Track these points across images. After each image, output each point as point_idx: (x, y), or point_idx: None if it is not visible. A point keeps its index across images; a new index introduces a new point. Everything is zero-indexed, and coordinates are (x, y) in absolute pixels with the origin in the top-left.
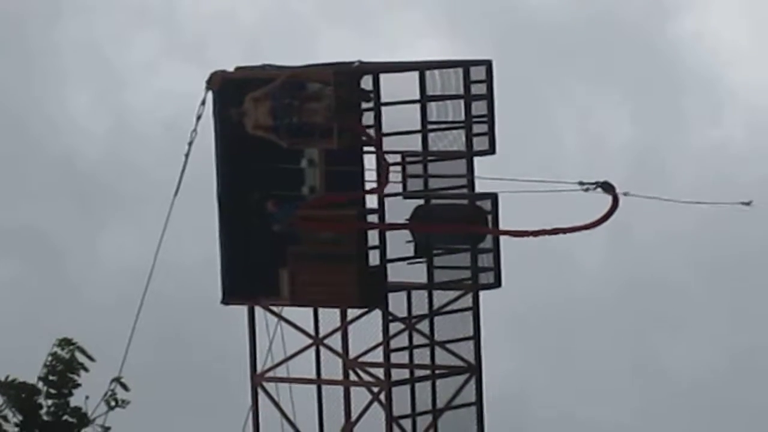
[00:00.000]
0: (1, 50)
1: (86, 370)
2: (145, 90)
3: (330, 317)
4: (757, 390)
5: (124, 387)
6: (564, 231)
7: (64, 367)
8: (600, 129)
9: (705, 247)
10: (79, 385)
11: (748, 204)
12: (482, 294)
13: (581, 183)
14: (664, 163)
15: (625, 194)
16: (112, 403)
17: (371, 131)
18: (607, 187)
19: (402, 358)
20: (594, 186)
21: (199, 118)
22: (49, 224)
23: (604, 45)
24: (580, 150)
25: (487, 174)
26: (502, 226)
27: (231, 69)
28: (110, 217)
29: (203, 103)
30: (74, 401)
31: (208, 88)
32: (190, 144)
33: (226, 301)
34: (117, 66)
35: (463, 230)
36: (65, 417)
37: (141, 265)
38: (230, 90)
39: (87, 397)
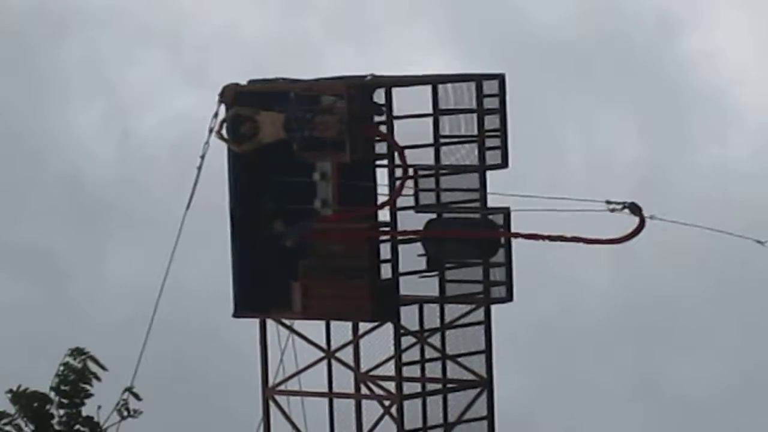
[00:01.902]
0: (6, 69)
1: (98, 379)
2: (150, 110)
3: (342, 330)
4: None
5: (136, 396)
6: (585, 241)
7: (77, 377)
8: (606, 147)
9: (711, 265)
10: (91, 395)
11: (762, 243)
12: (494, 308)
13: (608, 202)
14: (669, 181)
15: (651, 217)
16: (125, 413)
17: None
18: (633, 209)
19: (413, 371)
20: (621, 207)
21: (211, 130)
22: (54, 244)
23: (610, 63)
24: (585, 167)
25: (499, 188)
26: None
27: (243, 82)
28: (116, 238)
29: (216, 115)
30: (86, 411)
31: (221, 101)
32: (202, 157)
33: (237, 314)
34: (122, 86)
35: (479, 235)
36: (77, 426)
37: (147, 286)
38: (243, 103)
39: (99, 407)
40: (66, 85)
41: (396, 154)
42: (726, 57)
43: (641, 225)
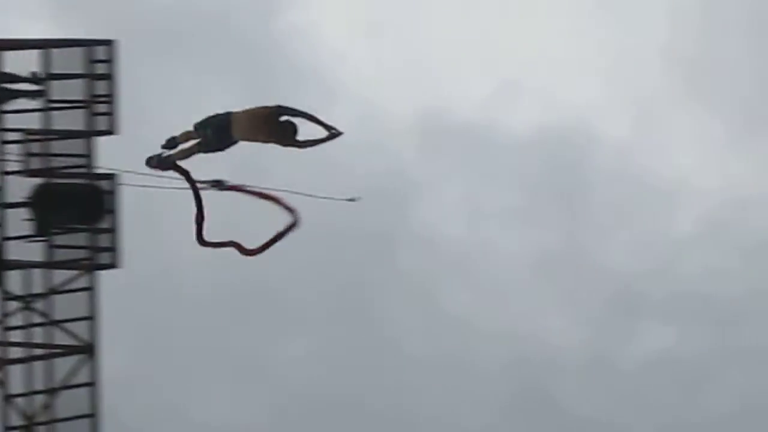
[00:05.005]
0: None
1: None
2: None
3: None
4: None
5: None
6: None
7: None
8: None
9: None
10: None
11: (354, 200)
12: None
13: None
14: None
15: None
16: None
17: None
18: (218, 185)
19: (19, 337)
20: (209, 185)
21: None
22: None
23: (213, 41)
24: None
25: (109, 154)
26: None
27: None
28: None
29: None
30: None
31: None
32: None
33: None
34: None
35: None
36: None
37: None
38: None
39: None
40: None
41: None
42: (323, 32)
43: (293, 225)
